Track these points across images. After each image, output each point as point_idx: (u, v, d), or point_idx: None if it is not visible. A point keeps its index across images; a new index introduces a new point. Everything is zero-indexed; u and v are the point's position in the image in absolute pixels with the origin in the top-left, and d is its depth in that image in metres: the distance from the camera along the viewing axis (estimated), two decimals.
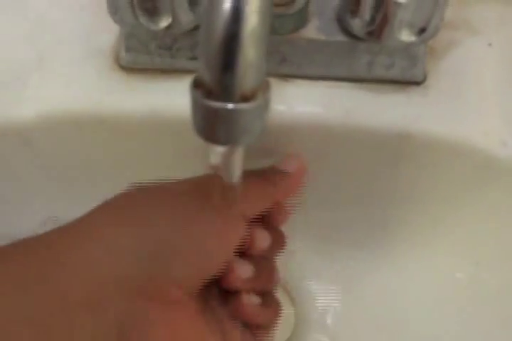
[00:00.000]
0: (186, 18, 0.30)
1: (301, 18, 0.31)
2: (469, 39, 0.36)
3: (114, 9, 0.30)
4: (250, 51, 0.19)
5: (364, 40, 0.31)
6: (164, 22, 0.30)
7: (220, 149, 0.23)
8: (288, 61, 0.32)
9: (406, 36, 0.30)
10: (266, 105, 0.21)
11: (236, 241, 0.28)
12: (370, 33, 0.30)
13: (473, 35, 0.36)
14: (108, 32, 0.34)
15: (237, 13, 0.19)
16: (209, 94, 0.21)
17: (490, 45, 0.36)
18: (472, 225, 0.37)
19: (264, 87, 0.21)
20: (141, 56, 0.33)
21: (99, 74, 0.33)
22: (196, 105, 0.21)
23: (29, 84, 0.33)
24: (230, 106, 0.20)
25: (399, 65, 0.33)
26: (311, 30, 0.32)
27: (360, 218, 0.39)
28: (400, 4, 0.28)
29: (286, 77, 0.33)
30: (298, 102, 0.33)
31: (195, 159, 0.34)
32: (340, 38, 0.32)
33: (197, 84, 0.21)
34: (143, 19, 0.30)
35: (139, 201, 0.28)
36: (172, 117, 0.33)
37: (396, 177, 0.35)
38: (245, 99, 0.21)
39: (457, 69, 0.34)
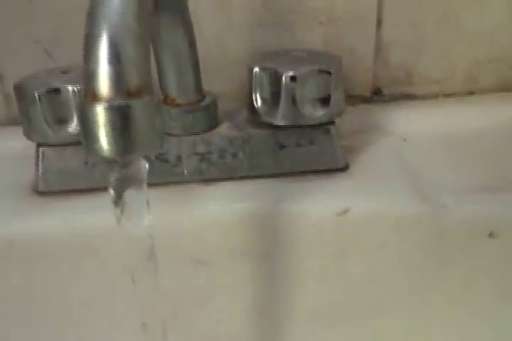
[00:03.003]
0: None
1: (212, 116, 0.32)
2: (385, 137, 0.37)
3: (28, 125, 0.31)
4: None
5: (277, 127, 0.32)
6: (72, 128, 0.31)
7: (120, 166, 0.21)
8: (206, 162, 0.32)
9: (312, 110, 0.31)
10: (155, 106, 0.21)
11: None
12: (279, 116, 0.31)
13: (388, 135, 0.37)
14: (28, 172, 0.34)
15: None
16: (96, 98, 0.20)
17: (405, 140, 0.37)
18: None
19: (149, 88, 0.21)
20: (58, 178, 0.32)
21: (13, 202, 0.32)
22: (84, 116, 0.20)
23: None
24: (118, 102, 0.20)
25: (318, 152, 0.33)
26: (225, 129, 0.33)
27: None
28: (294, 78, 0.30)
29: (208, 180, 0.32)
30: (225, 200, 0.32)
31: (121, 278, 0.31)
32: (254, 131, 0.32)
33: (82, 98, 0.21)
34: (54, 127, 0.31)
35: None
36: (91, 234, 0.31)
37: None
38: (131, 95, 0.20)
39: (378, 159, 0.35)
